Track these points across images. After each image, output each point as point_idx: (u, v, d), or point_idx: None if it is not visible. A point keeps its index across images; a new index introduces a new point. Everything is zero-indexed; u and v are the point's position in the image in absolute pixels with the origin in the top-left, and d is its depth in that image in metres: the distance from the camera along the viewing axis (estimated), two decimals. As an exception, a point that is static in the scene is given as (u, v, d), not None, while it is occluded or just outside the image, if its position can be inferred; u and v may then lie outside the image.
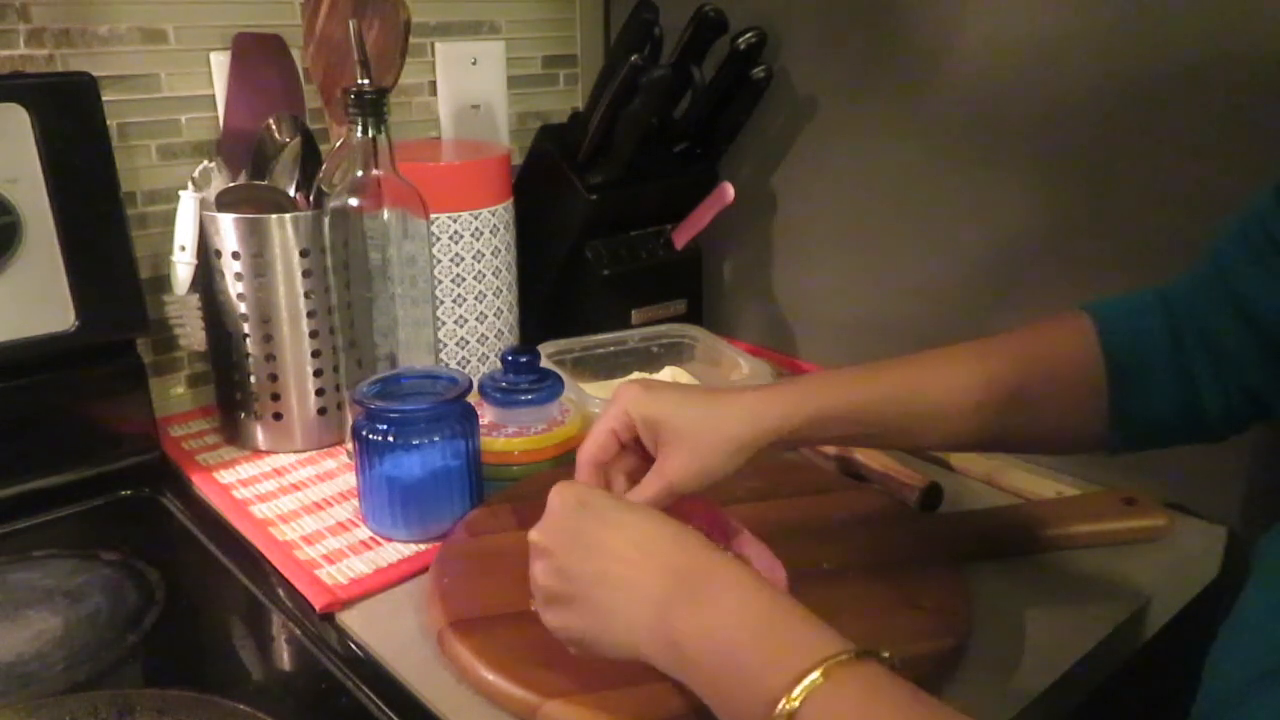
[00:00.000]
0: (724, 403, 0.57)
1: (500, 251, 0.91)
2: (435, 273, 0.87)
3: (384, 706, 0.54)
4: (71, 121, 0.72)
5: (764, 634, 0.43)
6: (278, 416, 0.83)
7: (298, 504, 0.76)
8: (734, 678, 0.42)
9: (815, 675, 0.39)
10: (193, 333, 0.89)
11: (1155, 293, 0.57)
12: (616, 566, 0.48)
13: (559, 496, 0.52)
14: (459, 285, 0.89)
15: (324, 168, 0.81)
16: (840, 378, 0.59)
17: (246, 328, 0.81)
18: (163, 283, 0.84)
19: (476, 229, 0.88)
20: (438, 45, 1.01)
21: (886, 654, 0.41)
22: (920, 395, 0.57)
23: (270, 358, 0.82)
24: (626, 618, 0.47)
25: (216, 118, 0.88)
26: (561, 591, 0.50)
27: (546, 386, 0.76)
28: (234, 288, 0.80)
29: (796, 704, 0.39)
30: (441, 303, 0.89)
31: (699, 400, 0.58)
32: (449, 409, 0.68)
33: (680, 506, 0.56)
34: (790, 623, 0.43)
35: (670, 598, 0.46)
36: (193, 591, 0.67)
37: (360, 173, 0.73)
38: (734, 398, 0.58)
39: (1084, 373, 0.56)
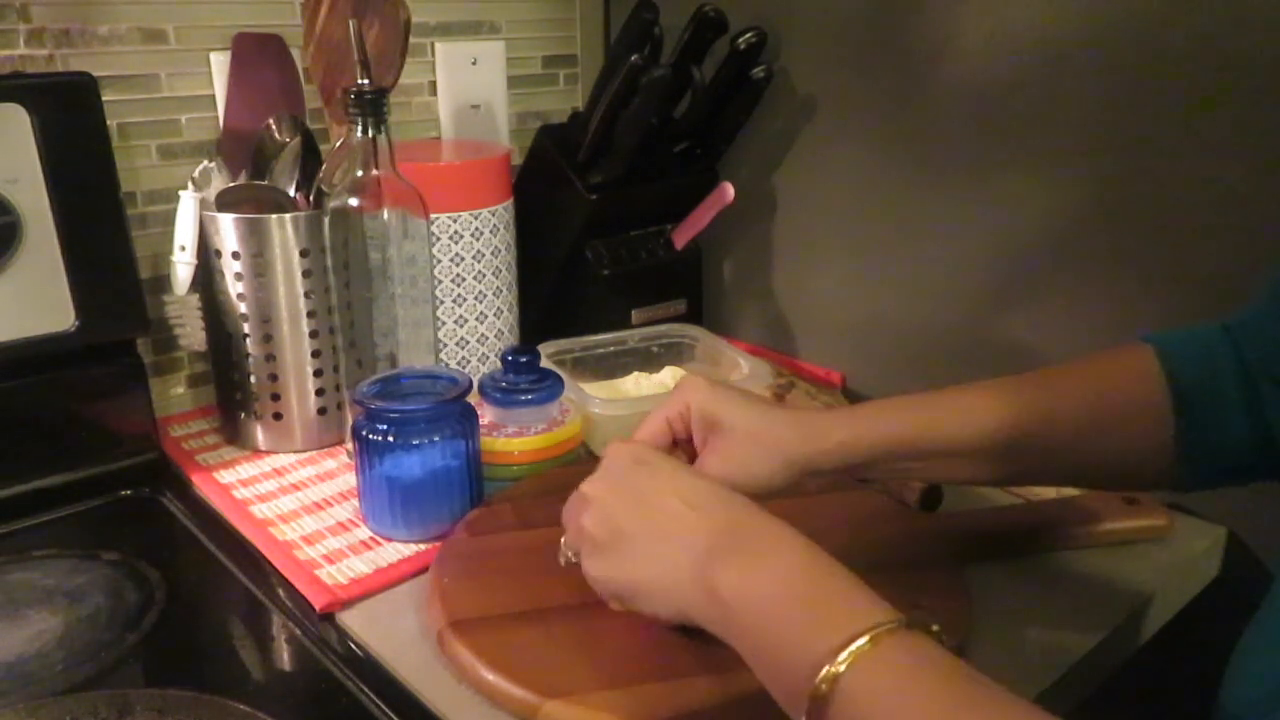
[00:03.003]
0: (785, 415, 0.57)
1: (500, 251, 0.91)
2: (435, 273, 0.87)
3: (384, 706, 0.54)
4: (71, 121, 0.72)
5: (811, 596, 0.43)
6: (278, 416, 0.83)
7: (298, 504, 0.76)
8: (778, 639, 0.42)
9: (863, 641, 0.38)
10: (193, 333, 0.89)
11: (1219, 326, 0.56)
12: (665, 519, 0.48)
13: (614, 452, 0.52)
14: (459, 285, 0.89)
15: (324, 168, 0.81)
16: (898, 406, 0.57)
17: (246, 328, 0.81)
18: (163, 283, 0.84)
19: (476, 229, 0.88)
20: (438, 45, 1.01)
21: (935, 627, 0.40)
22: (981, 425, 0.55)
23: (270, 358, 0.82)
24: (671, 569, 0.47)
25: (216, 118, 0.88)
26: (608, 541, 0.49)
27: (546, 386, 0.76)
28: (234, 288, 0.80)
29: (842, 669, 0.38)
30: (441, 303, 0.89)
31: (761, 407, 0.57)
32: (449, 409, 0.68)
33: None
34: (839, 587, 0.43)
35: (716, 552, 0.45)
36: (193, 591, 0.67)
37: (360, 173, 0.73)
38: (798, 413, 0.57)
39: (1150, 405, 0.54)
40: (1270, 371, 0.52)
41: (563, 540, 0.56)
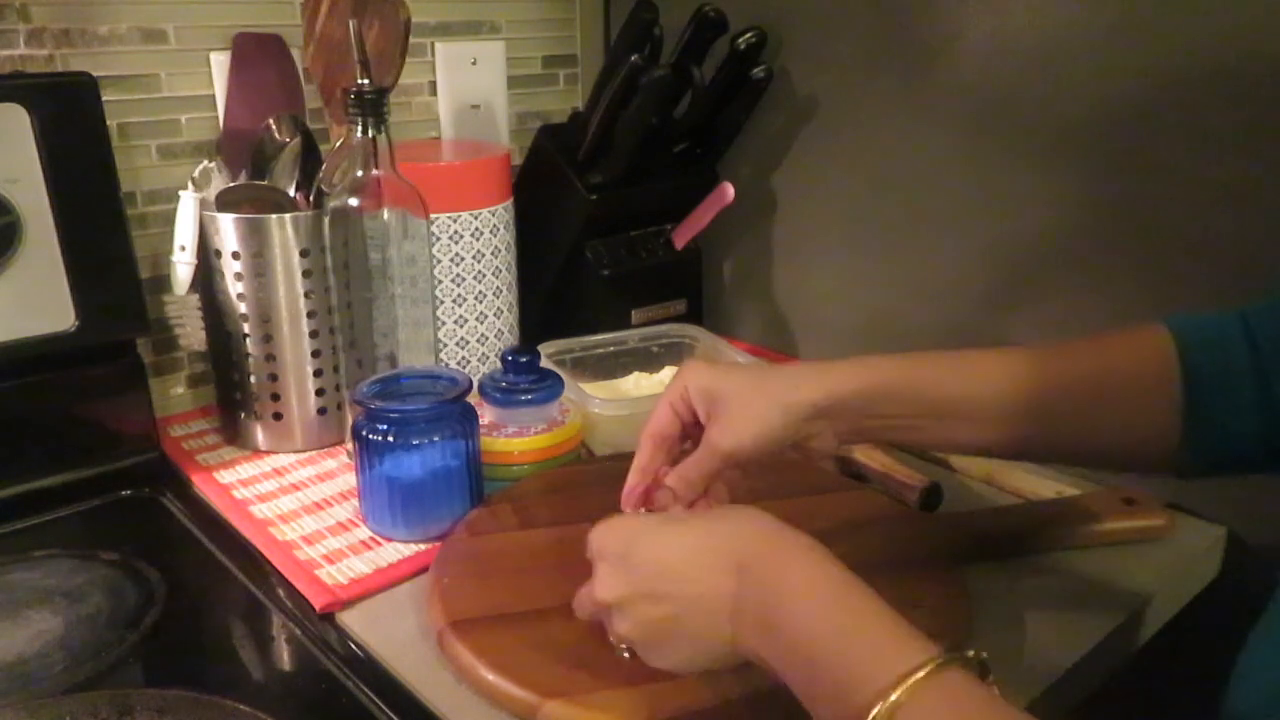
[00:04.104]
0: (773, 370, 0.58)
1: (500, 251, 0.91)
2: (435, 273, 0.87)
3: (384, 706, 0.54)
4: (71, 121, 0.72)
5: (840, 647, 0.42)
6: (278, 416, 0.83)
7: (298, 504, 0.76)
8: (818, 690, 0.42)
9: (897, 695, 0.38)
10: (193, 333, 0.89)
11: (1237, 314, 0.55)
12: (687, 590, 0.48)
13: (601, 544, 0.51)
14: (459, 285, 0.89)
15: (324, 168, 0.81)
16: (892, 358, 0.58)
17: (246, 328, 0.81)
18: (163, 283, 0.84)
19: (476, 229, 0.88)
20: (438, 45, 1.01)
21: (971, 653, 0.40)
22: (975, 383, 0.55)
23: (270, 358, 0.82)
24: (713, 635, 0.47)
25: (216, 118, 0.88)
26: (653, 638, 0.49)
27: (546, 386, 0.76)
28: (234, 288, 0.80)
29: None
30: (441, 303, 0.89)
31: (750, 369, 0.59)
32: (449, 409, 0.68)
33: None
34: (866, 629, 0.43)
35: (740, 612, 0.46)
36: (193, 591, 0.66)
37: (360, 173, 0.73)
38: (784, 367, 0.59)
39: (1159, 385, 0.54)
40: None
41: (611, 639, 0.54)
